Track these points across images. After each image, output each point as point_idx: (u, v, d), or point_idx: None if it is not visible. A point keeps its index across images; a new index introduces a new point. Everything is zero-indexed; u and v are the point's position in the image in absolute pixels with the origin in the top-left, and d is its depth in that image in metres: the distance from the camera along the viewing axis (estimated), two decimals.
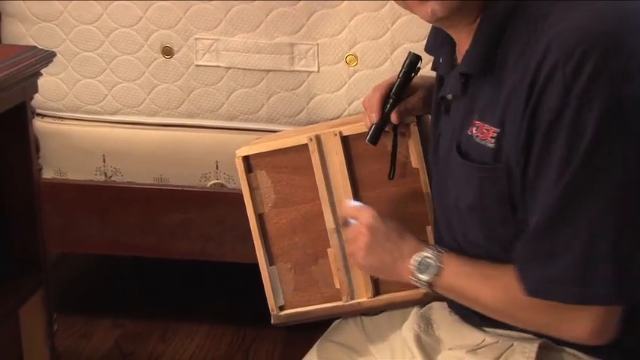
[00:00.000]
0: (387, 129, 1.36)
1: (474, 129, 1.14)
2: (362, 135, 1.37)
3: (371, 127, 1.35)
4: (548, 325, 1.14)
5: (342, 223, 1.38)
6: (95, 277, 2.59)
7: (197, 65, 2.03)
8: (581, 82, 1.01)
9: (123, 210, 2.07)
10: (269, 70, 2.01)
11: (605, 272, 1.04)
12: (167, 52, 2.03)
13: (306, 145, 1.41)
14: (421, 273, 1.21)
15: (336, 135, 1.39)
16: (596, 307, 1.07)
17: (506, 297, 1.14)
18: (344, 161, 1.39)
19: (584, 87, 1.02)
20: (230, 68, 2.02)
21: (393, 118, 1.35)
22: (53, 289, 1.72)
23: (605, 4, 1.07)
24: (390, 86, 1.36)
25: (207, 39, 2.02)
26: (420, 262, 1.21)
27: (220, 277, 2.43)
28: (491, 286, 1.16)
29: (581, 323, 1.09)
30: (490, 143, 1.12)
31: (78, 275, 2.57)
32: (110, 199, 2.08)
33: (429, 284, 1.21)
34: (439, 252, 1.21)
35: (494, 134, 1.11)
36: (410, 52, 1.37)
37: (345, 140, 1.39)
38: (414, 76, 1.36)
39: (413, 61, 1.36)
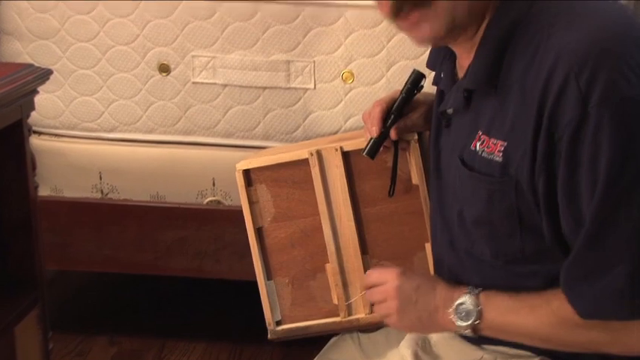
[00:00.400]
0: (387, 145, 1.35)
1: (478, 143, 1.14)
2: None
3: (370, 140, 1.35)
4: (606, 343, 1.11)
5: (365, 289, 1.34)
6: (91, 294, 2.58)
7: (194, 82, 2.04)
8: (599, 91, 1.00)
9: (119, 227, 2.08)
10: (265, 88, 2.02)
11: None
12: (164, 69, 2.04)
13: (307, 159, 1.40)
14: (463, 321, 1.17)
15: (337, 150, 1.38)
16: None
17: (558, 323, 1.12)
18: (344, 176, 1.39)
19: (602, 95, 1.00)
20: (227, 85, 2.03)
21: (393, 134, 1.34)
22: (49, 307, 1.71)
23: (606, 18, 1.07)
24: (392, 101, 1.35)
25: (204, 56, 2.02)
26: (457, 310, 1.18)
27: (217, 294, 2.43)
28: (540, 314, 1.13)
29: (637, 336, 1.07)
30: (497, 157, 1.11)
31: (74, 293, 2.56)
32: (107, 217, 2.08)
33: (474, 329, 1.17)
34: (475, 294, 1.18)
35: (502, 147, 1.10)
36: (414, 69, 1.37)
37: (346, 155, 1.39)
38: (416, 93, 1.36)
39: (417, 79, 1.35)
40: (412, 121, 1.36)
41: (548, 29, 1.06)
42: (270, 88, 2.01)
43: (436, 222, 1.29)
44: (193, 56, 2.02)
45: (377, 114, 1.34)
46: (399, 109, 1.34)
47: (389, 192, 1.37)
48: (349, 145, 1.39)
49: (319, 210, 1.40)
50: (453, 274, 1.23)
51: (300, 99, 2.02)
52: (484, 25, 1.13)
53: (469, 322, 1.17)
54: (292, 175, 1.41)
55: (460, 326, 1.17)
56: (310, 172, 1.40)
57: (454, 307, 1.18)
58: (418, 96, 1.36)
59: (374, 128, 1.34)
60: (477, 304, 1.16)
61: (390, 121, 1.34)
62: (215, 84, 2.03)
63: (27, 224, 1.63)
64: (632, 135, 1.01)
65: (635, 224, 1.02)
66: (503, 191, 1.11)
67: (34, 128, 2.01)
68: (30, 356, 1.66)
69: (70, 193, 2.10)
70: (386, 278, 1.26)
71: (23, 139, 1.59)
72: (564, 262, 1.09)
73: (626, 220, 1.02)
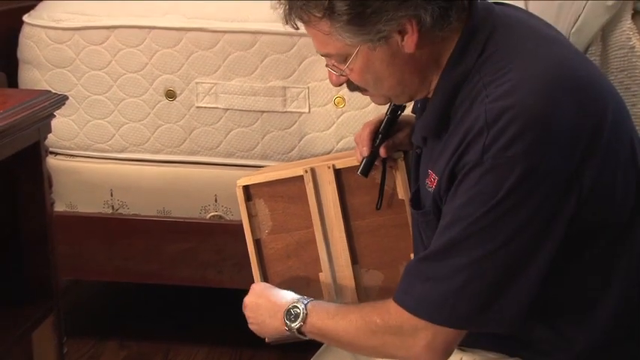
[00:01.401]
0: (377, 163, 1.37)
1: (427, 180, 1.19)
2: (353, 168, 1.38)
3: (362, 160, 1.37)
4: (395, 346, 1.15)
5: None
6: (103, 302, 2.58)
7: (197, 107, 2.03)
8: (496, 148, 1.04)
9: (129, 240, 2.07)
10: (264, 111, 2.01)
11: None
12: (170, 94, 2.03)
13: (302, 176, 1.41)
14: (291, 322, 1.24)
15: (329, 168, 1.40)
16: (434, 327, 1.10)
17: (362, 327, 1.16)
18: (336, 192, 1.40)
19: (497, 151, 1.04)
20: (228, 109, 2.02)
21: (382, 152, 1.36)
22: (64, 314, 1.72)
23: (540, 68, 1.08)
24: (379, 123, 1.38)
25: (207, 83, 2.02)
26: (288, 313, 1.25)
27: (219, 302, 2.39)
28: (350, 319, 1.18)
29: (419, 340, 1.11)
30: (433, 189, 1.16)
31: (87, 301, 2.55)
32: (117, 230, 2.07)
33: (299, 331, 1.24)
34: (306, 302, 1.25)
35: (435, 181, 1.15)
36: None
37: (338, 173, 1.40)
38: (400, 113, 1.38)
39: (394, 107, 1.37)
40: (399, 140, 1.38)
41: (485, 86, 1.09)
42: (268, 112, 2.00)
43: (415, 234, 1.32)
44: (197, 83, 2.01)
45: (366, 135, 1.37)
46: (386, 130, 1.36)
47: (376, 205, 1.38)
48: (341, 164, 1.40)
49: (313, 223, 1.41)
50: None
51: (295, 122, 2.01)
52: (436, 81, 1.16)
53: (295, 324, 1.23)
54: (288, 191, 1.42)
55: (288, 326, 1.23)
56: (305, 188, 1.41)
57: (287, 309, 1.25)
58: (403, 117, 1.39)
59: (364, 148, 1.36)
60: (305, 310, 1.23)
61: (378, 141, 1.36)
62: (217, 108, 2.02)
63: (44, 237, 1.64)
64: (508, 194, 1.04)
65: (474, 257, 1.07)
66: (431, 217, 1.17)
67: (50, 149, 2.00)
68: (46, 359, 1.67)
69: (83, 208, 2.09)
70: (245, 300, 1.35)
71: (41, 159, 1.60)
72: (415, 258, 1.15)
73: (469, 252, 1.07)
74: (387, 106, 1.37)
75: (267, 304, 1.31)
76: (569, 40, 1.27)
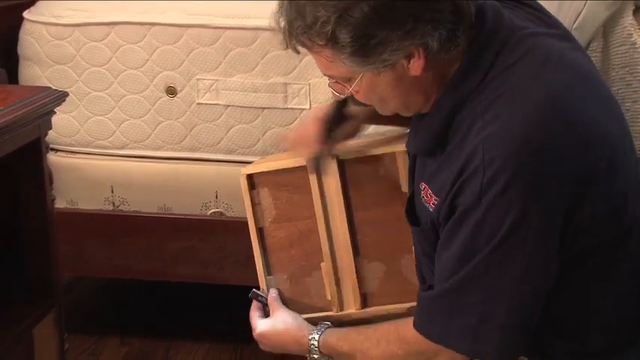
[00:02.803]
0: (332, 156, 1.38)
1: (422, 192, 1.19)
2: (357, 160, 1.39)
3: (313, 157, 1.37)
4: None
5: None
6: (104, 299, 2.58)
7: (198, 103, 2.03)
8: (494, 191, 1.04)
9: (129, 237, 2.07)
10: (264, 108, 2.01)
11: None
12: (171, 91, 2.04)
13: (305, 166, 1.40)
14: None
15: (333, 159, 1.39)
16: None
17: (396, 339, 1.21)
18: (339, 183, 1.39)
19: (495, 195, 1.04)
20: (229, 106, 2.03)
21: (330, 146, 1.37)
22: (65, 311, 1.72)
23: (534, 114, 1.06)
24: (326, 119, 1.38)
25: (208, 79, 2.02)
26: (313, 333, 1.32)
27: (219, 299, 2.41)
28: (371, 356, 1.23)
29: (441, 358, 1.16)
30: (431, 208, 1.16)
31: (88, 298, 2.55)
32: (118, 227, 2.07)
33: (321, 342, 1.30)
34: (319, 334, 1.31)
35: (435, 202, 1.15)
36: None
37: (341, 163, 1.40)
38: (342, 107, 1.38)
39: (338, 103, 1.38)
40: (347, 131, 1.39)
41: (483, 113, 1.08)
42: (269, 108, 2.00)
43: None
44: (198, 79, 2.01)
45: (317, 132, 1.37)
46: (337, 125, 1.37)
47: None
48: (345, 155, 1.39)
49: (316, 213, 1.41)
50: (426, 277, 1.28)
51: (296, 118, 2.01)
52: (434, 98, 1.15)
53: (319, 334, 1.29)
54: (292, 180, 1.42)
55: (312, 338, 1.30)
56: (308, 178, 1.40)
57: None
58: (352, 109, 1.38)
59: (316, 144, 1.36)
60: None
61: (330, 137, 1.37)
62: (218, 105, 2.02)
63: (45, 234, 1.64)
64: (506, 237, 1.06)
65: (487, 294, 1.10)
66: (429, 234, 1.18)
67: (51, 146, 2.01)
68: (47, 356, 1.67)
69: (84, 205, 2.10)
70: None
71: (41, 155, 1.61)
72: (425, 293, 1.17)
73: (482, 290, 1.10)
74: (332, 101, 1.37)
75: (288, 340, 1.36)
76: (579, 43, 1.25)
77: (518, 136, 1.04)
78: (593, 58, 1.72)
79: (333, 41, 1.06)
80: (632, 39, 1.74)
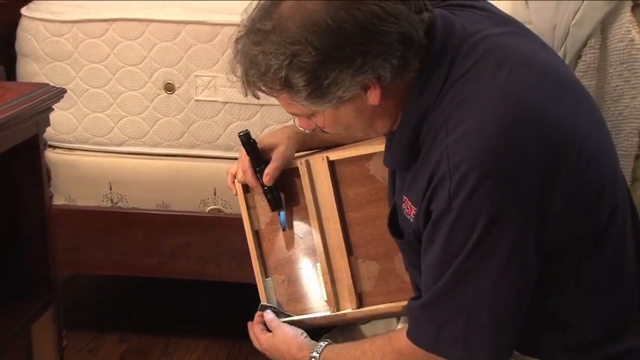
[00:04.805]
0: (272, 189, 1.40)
1: (403, 205, 1.20)
2: (347, 160, 1.40)
3: (267, 199, 1.40)
4: None
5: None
6: (102, 295, 2.58)
7: (196, 100, 2.03)
8: (462, 195, 1.06)
9: (128, 233, 2.07)
10: (263, 105, 2.00)
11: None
12: (169, 88, 2.03)
13: (297, 168, 1.42)
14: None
15: (323, 160, 1.40)
16: None
17: (393, 351, 1.21)
18: (331, 184, 1.40)
19: (464, 198, 1.06)
20: (227, 103, 2.02)
21: (267, 180, 1.39)
22: (63, 307, 1.72)
23: (498, 110, 1.07)
24: (249, 162, 1.41)
25: (206, 76, 2.02)
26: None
27: (218, 296, 2.42)
28: (378, 343, 1.24)
29: None
30: (411, 219, 1.18)
31: (86, 294, 2.56)
32: (116, 224, 2.07)
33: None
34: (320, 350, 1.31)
35: (415, 212, 1.17)
36: (238, 133, 1.42)
37: (332, 164, 1.41)
38: (253, 140, 1.41)
39: (244, 140, 1.41)
40: (277, 164, 1.40)
41: (445, 121, 1.10)
42: (267, 105, 1.99)
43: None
44: (196, 76, 2.01)
45: (249, 177, 1.40)
46: (259, 162, 1.40)
47: (271, 209, 1.42)
48: (335, 155, 1.41)
49: (309, 214, 1.42)
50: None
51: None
52: (400, 116, 1.17)
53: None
54: (285, 183, 1.43)
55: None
56: (300, 180, 1.42)
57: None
58: (266, 136, 1.44)
59: (257, 188, 1.40)
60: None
61: (260, 176, 1.39)
62: (216, 101, 2.02)
63: (43, 231, 1.64)
64: (480, 238, 1.07)
65: (469, 298, 1.11)
66: (413, 244, 1.20)
67: (49, 142, 1.97)
68: (45, 352, 1.67)
69: (82, 202, 2.10)
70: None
71: (39, 152, 1.60)
72: (414, 301, 1.18)
73: (470, 288, 1.11)
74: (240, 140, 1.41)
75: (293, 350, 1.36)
76: (536, 35, 1.25)
77: (480, 138, 1.06)
78: (591, 55, 1.73)
79: (288, 86, 1.10)
80: (631, 36, 1.73)
